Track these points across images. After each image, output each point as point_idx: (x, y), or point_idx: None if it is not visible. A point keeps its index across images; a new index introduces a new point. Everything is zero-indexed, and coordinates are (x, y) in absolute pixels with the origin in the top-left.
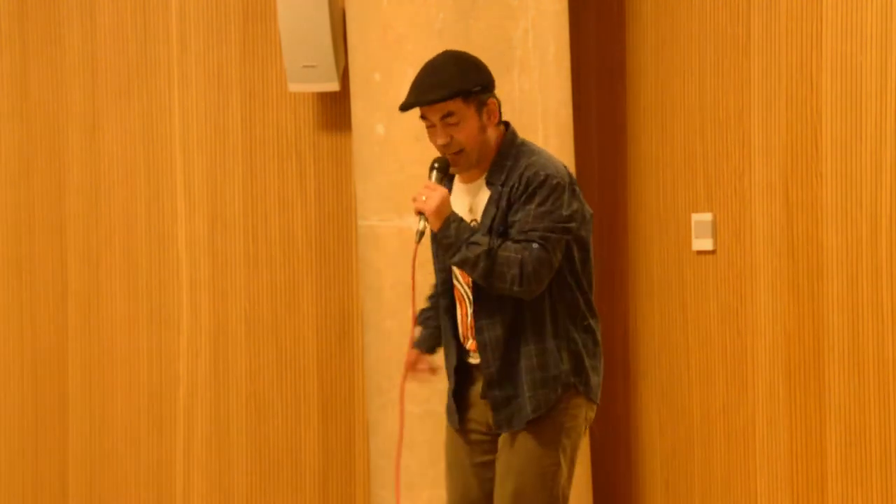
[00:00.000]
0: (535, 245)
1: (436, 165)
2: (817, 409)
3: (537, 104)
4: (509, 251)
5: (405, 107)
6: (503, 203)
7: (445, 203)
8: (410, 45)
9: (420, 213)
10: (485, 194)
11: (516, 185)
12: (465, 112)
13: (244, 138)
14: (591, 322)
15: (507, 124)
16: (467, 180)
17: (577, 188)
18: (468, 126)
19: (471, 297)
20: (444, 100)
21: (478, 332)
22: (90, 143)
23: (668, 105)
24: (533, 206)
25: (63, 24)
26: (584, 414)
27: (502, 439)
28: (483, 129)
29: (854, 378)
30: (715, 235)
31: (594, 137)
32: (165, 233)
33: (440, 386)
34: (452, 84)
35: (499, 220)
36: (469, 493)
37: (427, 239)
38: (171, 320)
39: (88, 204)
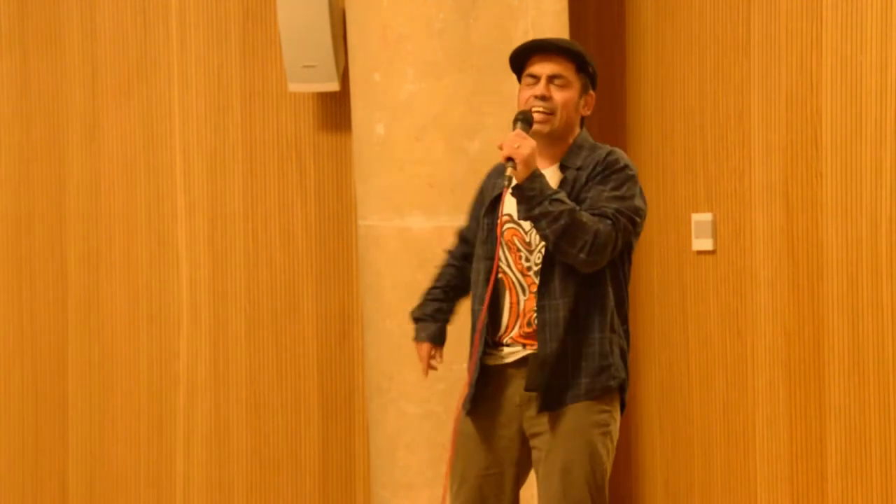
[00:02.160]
0: (608, 220)
1: (520, 117)
2: (817, 409)
3: None
4: (587, 218)
5: (523, 49)
6: (580, 182)
7: (534, 154)
8: (410, 45)
9: (509, 160)
10: (555, 179)
11: (595, 167)
12: (573, 82)
13: (244, 138)
14: (628, 328)
15: (583, 127)
16: (543, 165)
17: (645, 198)
18: (569, 94)
19: (526, 281)
20: (565, 52)
21: (539, 310)
22: (90, 143)
23: (668, 105)
24: (607, 188)
25: (63, 24)
26: (618, 421)
27: (539, 437)
28: (577, 108)
29: (854, 378)
30: (715, 235)
31: (594, 137)
32: (165, 233)
33: (441, 386)
34: (577, 48)
35: (572, 199)
36: (483, 495)
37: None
38: (171, 320)
39: (88, 204)
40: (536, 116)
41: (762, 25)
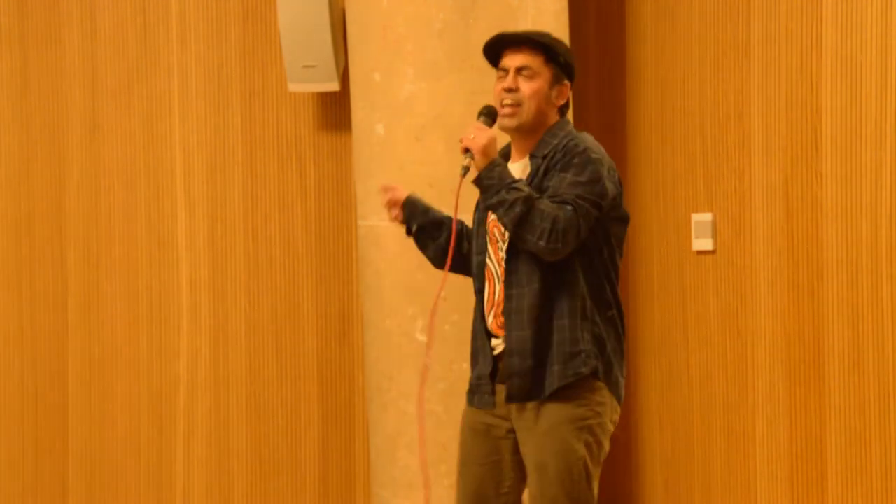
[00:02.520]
0: (568, 207)
1: (484, 111)
2: (817, 409)
3: None
4: (545, 205)
5: (492, 42)
6: (541, 171)
7: (492, 144)
8: (410, 45)
9: (466, 150)
10: (527, 170)
11: (556, 155)
12: (541, 72)
13: (244, 138)
14: (615, 314)
15: (564, 116)
16: (518, 158)
17: (619, 181)
18: (537, 85)
19: (502, 269)
20: (531, 43)
21: (506, 300)
22: (90, 143)
23: (668, 105)
24: (569, 174)
25: (63, 24)
26: (608, 413)
27: (522, 432)
28: (548, 100)
29: (854, 378)
30: (715, 235)
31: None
32: (165, 233)
33: (441, 386)
34: (546, 39)
35: (535, 189)
36: (484, 491)
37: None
38: (171, 320)
39: (88, 204)
40: (503, 110)
41: (762, 25)
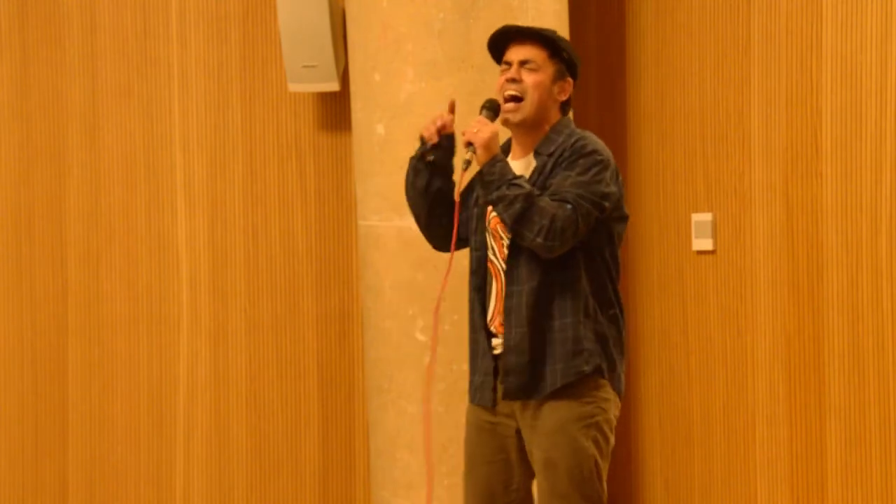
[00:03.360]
0: (567, 205)
1: (486, 105)
2: (817, 409)
3: None
4: (545, 203)
5: (497, 35)
6: (547, 169)
7: (495, 139)
8: (410, 45)
9: (469, 144)
10: (530, 167)
11: (563, 153)
12: (545, 66)
13: (244, 138)
14: (617, 312)
15: (566, 114)
16: (521, 155)
17: (621, 182)
18: (540, 78)
19: (504, 265)
20: (536, 37)
21: (507, 297)
22: (90, 143)
23: (668, 105)
24: (573, 173)
25: (63, 24)
26: (612, 409)
27: (526, 430)
28: (550, 94)
29: (854, 378)
30: (715, 235)
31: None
32: (165, 233)
33: (441, 386)
34: (551, 34)
35: (539, 186)
36: (492, 490)
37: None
38: (171, 320)
39: (88, 204)
40: (507, 105)
41: (762, 25)
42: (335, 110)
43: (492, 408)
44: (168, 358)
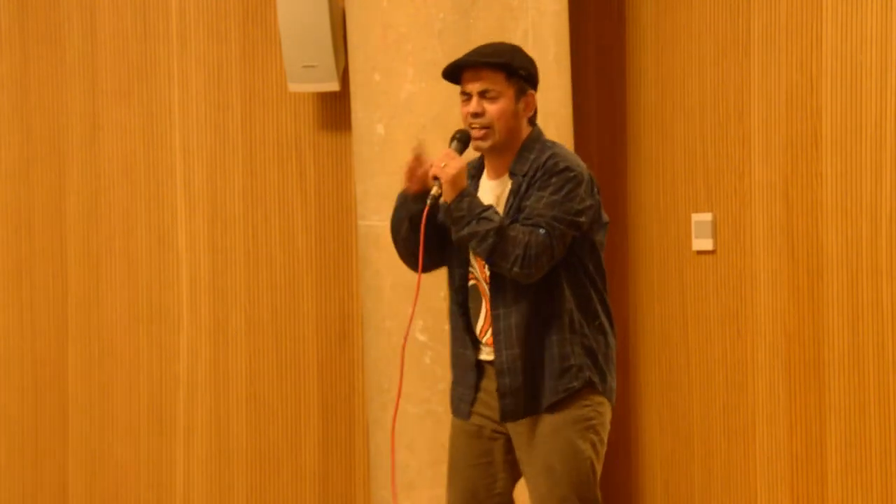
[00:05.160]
0: (540, 230)
1: (457, 136)
2: (817, 409)
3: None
4: (517, 232)
5: (449, 69)
6: (521, 189)
7: (462, 175)
8: (410, 45)
9: (436, 178)
10: (506, 188)
11: (536, 173)
12: (504, 91)
13: (244, 138)
14: (604, 322)
15: (535, 125)
16: (495, 176)
17: (597, 191)
18: (503, 105)
19: (488, 287)
20: (489, 65)
21: (494, 320)
22: (90, 143)
23: (668, 105)
24: (546, 193)
25: (63, 24)
26: (607, 414)
27: (519, 437)
28: (517, 116)
29: (854, 378)
30: (715, 235)
31: (594, 137)
32: (165, 233)
33: (441, 386)
34: (502, 56)
35: (515, 208)
36: (475, 492)
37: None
38: (171, 320)
39: (88, 204)
40: (474, 132)
41: (762, 25)
42: (335, 110)
43: (478, 408)
44: (168, 358)
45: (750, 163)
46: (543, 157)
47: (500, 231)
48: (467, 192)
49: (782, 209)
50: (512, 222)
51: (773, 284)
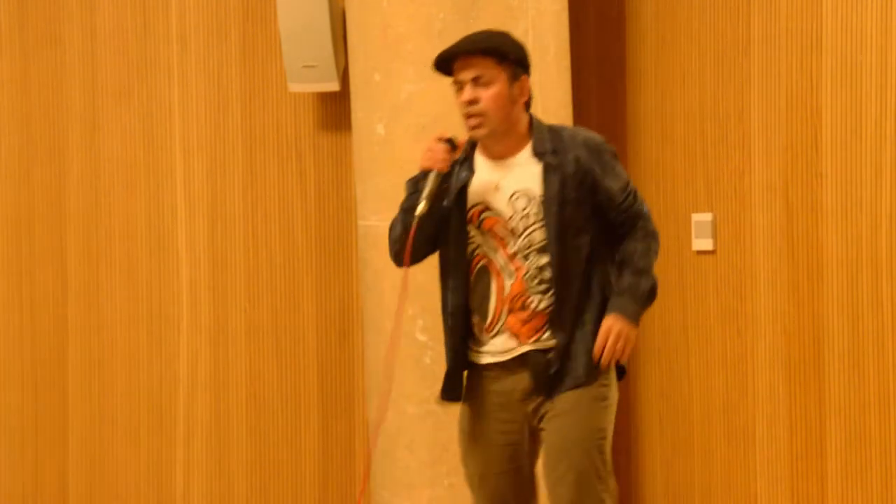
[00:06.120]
0: (641, 220)
1: (443, 140)
2: (817, 409)
3: (537, 104)
4: (640, 246)
5: (440, 59)
6: (569, 169)
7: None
8: (410, 45)
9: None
10: (531, 167)
11: (581, 153)
12: (496, 76)
13: (244, 138)
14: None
15: (530, 113)
16: (498, 156)
17: None
18: (497, 89)
19: (513, 266)
20: (479, 52)
21: (558, 303)
22: (90, 143)
23: (668, 105)
24: (612, 180)
25: (63, 24)
26: (617, 394)
27: (548, 410)
28: (512, 101)
29: (854, 378)
30: (715, 235)
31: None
32: (165, 233)
33: (440, 386)
34: (491, 41)
35: (570, 188)
36: (503, 493)
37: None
38: (171, 320)
39: (88, 204)
40: (469, 121)
41: (762, 25)
42: (335, 110)
43: (493, 413)
44: (168, 358)
45: (750, 163)
46: (569, 135)
47: (646, 274)
48: (638, 297)
49: (782, 209)
50: (570, 203)
51: (773, 284)
